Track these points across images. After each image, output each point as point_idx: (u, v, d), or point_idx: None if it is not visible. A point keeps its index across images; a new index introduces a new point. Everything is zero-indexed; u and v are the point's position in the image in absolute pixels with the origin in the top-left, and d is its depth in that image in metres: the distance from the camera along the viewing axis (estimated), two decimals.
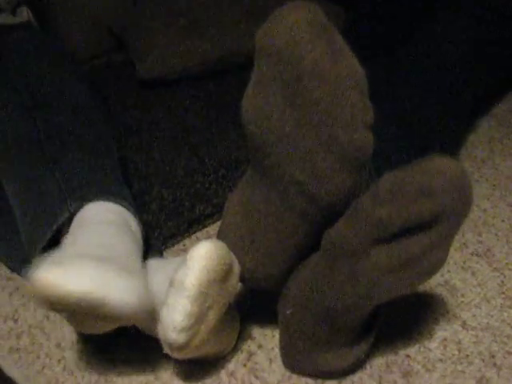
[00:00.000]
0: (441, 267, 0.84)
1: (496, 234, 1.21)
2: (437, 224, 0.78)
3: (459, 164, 0.78)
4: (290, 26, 0.77)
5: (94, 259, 0.80)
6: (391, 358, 0.96)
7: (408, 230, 0.78)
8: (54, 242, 0.95)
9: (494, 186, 1.37)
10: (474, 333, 1.00)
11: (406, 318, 1.03)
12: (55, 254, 0.86)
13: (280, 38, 0.78)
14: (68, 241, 0.89)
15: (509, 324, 1.02)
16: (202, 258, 0.82)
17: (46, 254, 0.88)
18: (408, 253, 0.79)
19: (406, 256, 0.79)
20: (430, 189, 0.76)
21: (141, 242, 0.96)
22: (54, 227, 0.95)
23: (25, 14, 1.54)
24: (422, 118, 1.24)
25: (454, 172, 0.77)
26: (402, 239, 0.79)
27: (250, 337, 1.01)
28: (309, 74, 0.77)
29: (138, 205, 1.00)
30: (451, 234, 0.81)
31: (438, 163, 0.77)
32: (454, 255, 1.14)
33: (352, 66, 0.79)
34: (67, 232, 0.94)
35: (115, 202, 0.96)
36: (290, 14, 0.78)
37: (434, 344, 0.98)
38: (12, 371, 0.62)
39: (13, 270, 1.14)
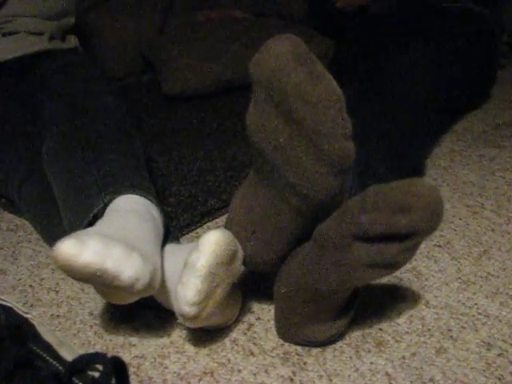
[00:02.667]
0: (408, 262, 0.84)
1: (455, 230, 1.21)
2: (410, 236, 0.78)
3: (436, 188, 0.78)
4: (275, 56, 0.77)
5: (111, 238, 0.79)
6: (366, 330, 0.95)
7: (385, 238, 0.78)
8: None
9: (453, 189, 1.36)
10: (435, 310, 0.99)
11: (380, 297, 1.02)
12: (78, 233, 0.84)
13: (267, 66, 0.77)
14: (95, 225, 0.88)
15: (464, 304, 1.01)
16: (211, 244, 0.82)
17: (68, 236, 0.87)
18: (383, 254, 0.79)
19: (380, 256, 0.79)
20: (408, 206, 0.76)
21: (162, 229, 0.95)
22: (91, 215, 0.94)
23: (73, 41, 1.55)
24: (396, 132, 1.24)
25: (431, 195, 0.76)
26: (380, 244, 0.79)
27: (250, 311, 1.00)
28: (293, 96, 0.77)
29: (159, 199, 0.99)
30: (421, 242, 0.81)
31: (419, 185, 0.77)
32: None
33: (330, 87, 0.78)
34: None
35: (141, 195, 0.95)
36: (276, 46, 0.77)
37: (402, 319, 0.97)
38: (49, 337, 0.61)
39: None
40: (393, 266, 0.81)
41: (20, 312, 0.63)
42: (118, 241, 0.79)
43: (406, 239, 0.78)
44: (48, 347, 0.59)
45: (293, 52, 0.76)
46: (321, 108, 0.77)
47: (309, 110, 0.77)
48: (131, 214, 0.90)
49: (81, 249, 0.75)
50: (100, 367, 0.59)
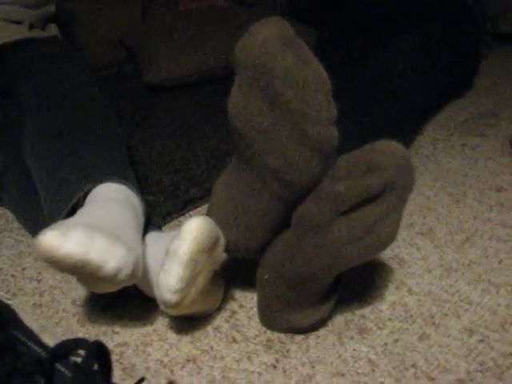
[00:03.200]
0: (392, 240, 0.85)
1: (437, 218, 1.22)
2: (385, 194, 0.79)
3: (402, 146, 0.81)
4: (262, 40, 0.77)
5: (93, 228, 0.79)
6: (349, 317, 0.96)
7: (362, 203, 0.79)
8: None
9: (436, 178, 1.37)
10: (417, 297, 1.00)
11: (362, 284, 1.03)
12: (59, 223, 0.84)
13: (254, 50, 0.78)
14: (76, 214, 0.88)
15: (446, 291, 1.02)
16: (193, 231, 0.81)
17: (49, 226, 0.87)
18: (364, 223, 0.80)
19: (362, 226, 0.80)
20: (379, 164, 0.78)
21: (142, 217, 0.95)
22: (70, 204, 0.94)
23: (53, 29, 1.54)
24: (379, 120, 1.25)
25: (397, 151, 0.79)
26: (358, 211, 0.79)
27: (233, 298, 1.00)
28: (280, 79, 0.77)
29: (142, 187, 1.00)
30: (398, 204, 0.82)
31: (385, 144, 0.80)
32: (403, 233, 1.15)
33: (317, 70, 0.78)
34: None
35: (121, 183, 0.95)
36: (262, 29, 0.78)
37: (384, 306, 0.98)
38: (31, 323, 0.61)
39: None
40: (377, 238, 0.81)
41: (2, 299, 0.63)
42: (100, 231, 0.79)
43: (383, 198, 0.79)
44: (30, 333, 0.60)
45: (280, 35, 0.77)
46: (307, 91, 0.77)
47: (295, 93, 0.77)
48: (112, 202, 0.90)
49: (63, 240, 0.75)
50: (82, 353, 0.59)
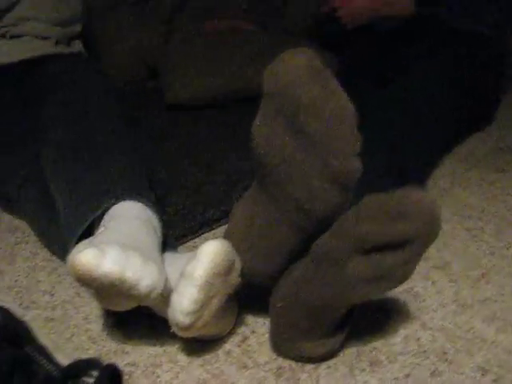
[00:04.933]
0: (407, 279, 0.84)
1: (454, 252, 1.21)
2: (408, 243, 0.78)
3: (432, 197, 0.79)
4: (291, 69, 0.77)
5: (127, 247, 0.79)
6: (361, 348, 0.95)
7: (383, 247, 0.78)
8: (86, 235, 0.93)
9: (453, 212, 1.36)
10: (430, 332, 0.99)
11: (376, 316, 1.02)
12: (92, 240, 0.85)
13: (282, 79, 0.78)
14: (101, 230, 0.88)
15: (460, 327, 1.00)
16: (210, 253, 0.81)
17: (80, 243, 0.87)
18: (382, 266, 0.79)
19: (379, 268, 0.79)
20: (405, 214, 0.76)
21: (161, 237, 0.95)
22: (89, 220, 0.94)
23: (77, 46, 1.55)
24: (399, 150, 1.24)
25: (427, 203, 0.78)
26: (378, 254, 0.79)
27: (245, 323, 1.00)
28: (305, 110, 0.77)
29: (158, 207, 0.99)
30: (419, 253, 0.81)
31: (414, 193, 0.78)
32: (418, 267, 1.11)
33: (343, 102, 0.79)
34: (98, 226, 0.93)
35: (141, 201, 0.95)
36: (290, 59, 0.78)
37: (397, 339, 0.97)
38: (45, 340, 0.61)
39: (52, 252, 1.14)
40: (391, 279, 0.81)
41: (16, 314, 0.63)
42: (133, 249, 0.80)
43: (404, 248, 0.78)
44: (44, 351, 0.59)
45: (308, 66, 0.77)
46: (332, 123, 0.77)
47: (320, 125, 0.77)
48: (135, 220, 0.90)
49: (101, 258, 0.76)
50: (95, 373, 0.59)
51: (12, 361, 0.52)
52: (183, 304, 0.81)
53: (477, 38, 1.68)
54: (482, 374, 0.91)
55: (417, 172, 1.31)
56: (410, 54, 1.64)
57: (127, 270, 0.76)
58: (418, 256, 0.81)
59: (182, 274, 0.83)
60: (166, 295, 0.84)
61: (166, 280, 0.83)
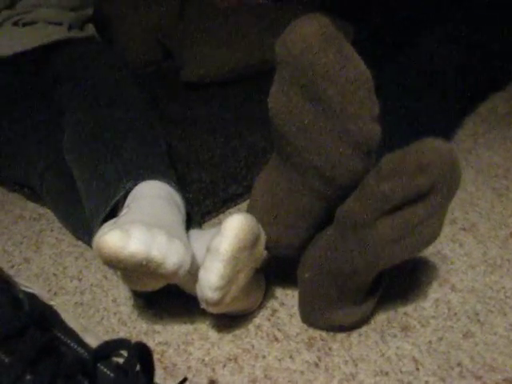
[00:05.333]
0: (436, 238, 0.83)
1: (480, 213, 1.19)
2: (431, 195, 0.77)
3: (449, 144, 0.78)
4: (303, 37, 0.76)
5: (151, 225, 0.79)
6: (392, 315, 0.94)
7: (407, 202, 0.77)
8: (111, 216, 0.93)
9: (477, 172, 1.35)
10: (461, 294, 0.98)
11: (405, 281, 1.01)
12: (116, 221, 0.85)
13: (295, 47, 0.76)
14: (124, 212, 0.88)
15: (490, 287, 0.99)
16: (234, 228, 0.81)
17: (105, 224, 0.87)
18: (408, 222, 0.78)
19: (406, 225, 0.78)
20: (425, 164, 0.75)
21: (184, 214, 0.95)
22: (112, 202, 0.94)
23: (90, 29, 1.55)
24: (420, 113, 1.23)
25: (444, 150, 0.77)
26: (403, 210, 0.78)
27: (274, 296, 0.99)
28: (321, 76, 0.76)
29: (181, 185, 0.99)
30: (444, 204, 0.80)
31: (431, 143, 0.77)
32: (445, 229, 1.12)
33: (359, 68, 0.77)
34: (122, 208, 0.93)
35: (163, 180, 0.95)
36: (303, 26, 0.76)
37: (427, 303, 0.96)
38: (73, 323, 0.60)
39: (78, 238, 1.14)
40: (420, 236, 0.79)
41: (44, 299, 0.63)
42: (158, 227, 0.79)
43: (428, 198, 0.77)
44: (72, 333, 0.59)
45: (321, 32, 0.75)
46: (349, 88, 0.76)
47: (337, 91, 0.76)
48: (157, 199, 0.90)
49: (127, 239, 0.76)
50: (125, 353, 0.58)
51: (40, 344, 0.52)
52: (211, 280, 0.80)
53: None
54: None
55: (438, 134, 1.29)
56: (428, 17, 1.62)
57: (153, 249, 0.76)
58: (443, 207, 0.80)
59: (207, 250, 0.82)
60: (193, 272, 0.84)
61: (193, 257, 0.83)
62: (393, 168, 0.76)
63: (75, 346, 0.57)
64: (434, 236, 0.81)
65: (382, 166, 0.78)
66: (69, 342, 0.57)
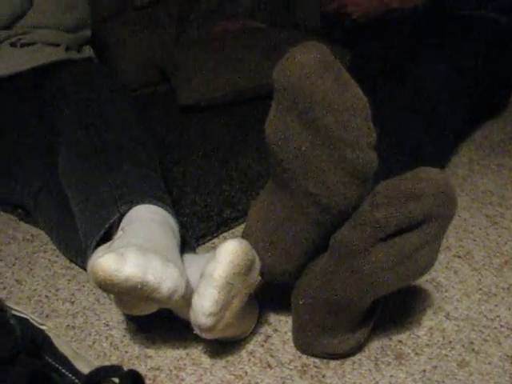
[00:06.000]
0: (431, 267, 0.83)
1: (474, 240, 1.19)
2: (425, 223, 0.77)
3: (444, 173, 0.78)
4: (301, 64, 0.76)
5: (147, 250, 0.78)
6: (386, 342, 0.94)
7: (402, 230, 0.77)
8: (105, 239, 0.93)
9: (472, 199, 1.34)
10: (455, 323, 0.97)
11: (399, 309, 1.00)
12: (111, 244, 0.84)
13: (293, 74, 0.76)
14: (119, 235, 0.87)
15: (485, 316, 0.99)
16: (229, 253, 0.80)
17: (99, 248, 0.86)
18: (403, 250, 0.78)
19: (401, 253, 0.78)
20: (419, 193, 0.75)
21: (179, 238, 0.94)
22: (107, 225, 0.93)
23: (87, 51, 1.56)
24: (416, 140, 1.23)
25: (439, 179, 0.77)
26: (397, 238, 0.78)
27: (267, 322, 0.98)
28: (319, 104, 0.76)
29: (175, 209, 0.98)
30: (439, 233, 0.80)
31: (426, 172, 0.77)
32: (440, 256, 1.11)
33: (357, 95, 0.77)
34: (116, 231, 0.92)
35: (158, 204, 0.94)
36: (301, 53, 0.77)
37: (422, 331, 0.96)
38: (64, 349, 0.60)
39: (71, 260, 1.13)
40: (414, 264, 0.79)
41: (35, 323, 0.62)
42: (152, 252, 0.79)
43: (423, 227, 0.77)
44: (64, 360, 0.58)
45: (319, 59, 0.75)
46: (347, 116, 0.76)
47: (334, 118, 0.76)
48: (152, 223, 0.89)
49: (122, 263, 0.75)
50: (116, 380, 0.57)
51: (32, 371, 0.51)
52: (204, 305, 0.80)
53: (489, 24, 1.66)
54: (511, 363, 0.89)
55: (434, 161, 1.30)
56: (422, 43, 1.63)
57: (148, 274, 0.76)
58: (438, 236, 0.80)
59: (201, 275, 0.82)
60: (187, 297, 0.83)
61: (187, 282, 0.82)
62: (387, 195, 0.76)
63: (67, 373, 0.56)
64: (429, 265, 0.81)
65: (377, 193, 0.77)
66: (60, 368, 0.56)
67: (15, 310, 0.60)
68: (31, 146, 1.25)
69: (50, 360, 0.56)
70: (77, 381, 0.56)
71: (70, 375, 0.56)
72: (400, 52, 1.68)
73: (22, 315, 0.60)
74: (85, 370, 0.59)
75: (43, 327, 0.62)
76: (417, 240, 0.77)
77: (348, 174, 0.78)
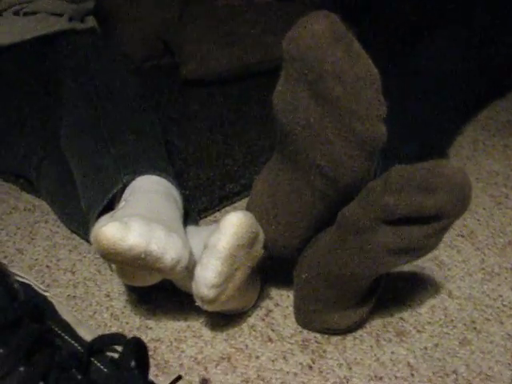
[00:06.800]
0: (434, 249, 0.82)
1: (478, 220, 1.19)
2: (436, 219, 0.75)
3: (464, 170, 0.76)
4: (312, 34, 0.74)
5: (150, 219, 0.78)
6: (387, 319, 0.94)
7: (411, 220, 0.76)
8: (108, 210, 0.92)
9: (477, 179, 1.34)
10: (458, 301, 0.98)
11: (401, 286, 1.00)
12: (113, 214, 0.83)
13: (303, 43, 0.75)
14: (122, 205, 0.87)
15: (488, 295, 0.99)
16: (232, 225, 0.80)
17: (102, 217, 0.86)
18: (408, 239, 0.77)
19: (407, 241, 0.77)
20: (434, 187, 0.73)
21: (182, 210, 0.93)
22: (110, 195, 0.93)
23: (91, 21, 1.54)
24: (423, 118, 1.22)
25: (457, 176, 0.74)
26: (405, 226, 0.76)
27: (269, 296, 0.98)
28: (330, 74, 0.74)
29: (178, 182, 0.98)
30: (447, 228, 0.78)
31: (445, 166, 0.75)
32: None
33: (367, 66, 0.76)
34: (119, 201, 0.92)
35: (161, 175, 0.94)
36: (312, 23, 0.75)
37: (424, 309, 0.96)
38: (67, 316, 0.59)
39: (73, 230, 1.13)
40: (418, 251, 0.79)
41: (39, 289, 0.61)
42: (156, 222, 0.78)
43: (433, 222, 0.75)
44: (67, 326, 0.58)
45: (330, 29, 0.74)
46: (357, 88, 0.74)
47: (344, 89, 0.74)
48: (155, 194, 0.89)
49: (126, 231, 0.74)
50: (119, 348, 0.57)
51: (35, 336, 0.51)
52: (207, 277, 0.79)
53: (495, 3, 1.65)
54: None
55: (439, 141, 1.29)
56: (428, 21, 1.61)
57: (152, 243, 0.75)
58: (445, 229, 0.79)
59: (205, 247, 0.81)
60: (190, 268, 0.83)
61: (190, 252, 0.82)
62: (401, 182, 0.74)
63: (69, 339, 0.56)
64: (432, 249, 0.81)
65: (390, 177, 0.76)
66: (63, 334, 0.56)
67: (18, 275, 0.60)
68: (33, 115, 1.24)
69: (53, 326, 0.56)
70: (79, 347, 0.56)
71: (73, 342, 0.56)
72: (407, 30, 1.67)
73: (24, 281, 0.60)
74: (87, 337, 0.58)
75: (46, 293, 0.62)
76: (424, 232, 0.76)
77: (356, 146, 0.76)
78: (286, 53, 0.77)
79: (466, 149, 1.47)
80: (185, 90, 1.79)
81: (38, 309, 0.56)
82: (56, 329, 0.56)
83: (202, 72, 1.79)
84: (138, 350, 0.57)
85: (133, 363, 0.55)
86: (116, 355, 0.57)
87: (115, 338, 0.57)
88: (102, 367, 0.55)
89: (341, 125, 0.76)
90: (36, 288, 0.61)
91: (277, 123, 0.81)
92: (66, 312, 0.61)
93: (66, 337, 0.56)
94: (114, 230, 0.74)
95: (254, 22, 1.91)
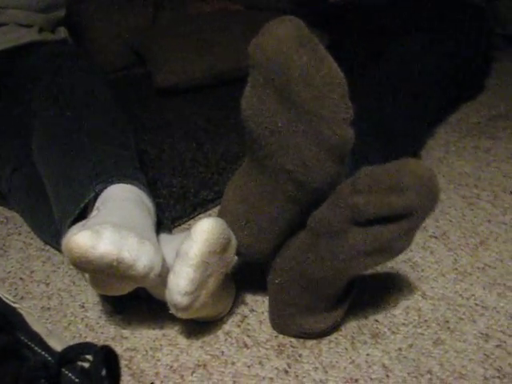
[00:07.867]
0: (406, 250, 0.82)
1: (450, 221, 1.19)
2: (406, 217, 0.76)
3: (430, 168, 0.76)
4: (278, 38, 0.75)
5: (122, 227, 0.78)
6: (362, 321, 0.94)
7: (381, 220, 0.76)
8: (80, 219, 0.92)
9: (449, 181, 1.35)
10: (431, 302, 0.98)
11: (375, 288, 1.01)
12: (85, 223, 0.83)
13: (269, 48, 0.75)
14: (94, 214, 0.86)
15: (460, 295, 0.99)
16: (204, 231, 0.79)
17: (74, 226, 0.85)
18: (380, 239, 0.77)
19: (377, 241, 0.77)
20: (402, 186, 0.74)
21: (155, 218, 0.93)
22: (82, 205, 0.92)
23: (62, 32, 1.53)
24: (393, 122, 1.23)
25: (424, 173, 0.75)
26: (376, 227, 0.77)
27: (244, 302, 0.98)
28: (296, 79, 0.75)
29: (151, 190, 0.98)
30: (417, 225, 0.79)
31: (412, 164, 0.76)
32: (416, 237, 1.10)
33: (333, 70, 0.76)
34: (91, 210, 0.91)
35: (133, 184, 0.94)
36: (277, 28, 0.75)
37: (398, 311, 0.96)
38: (37, 327, 0.59)
39: (45, 241, 1.12)
40: (390, 251, 0.79)
41: (8, 301, 0.61)
42: (129, 229, 0.78)
43: (402, 220, 0.76)
44: (36, 337, 0.57)
45: (295, 34, 0.74)
46: (323, 91, 0.75)
47: (311, 94, 0.75)
48: (127, 202, 0.88)
49: (97, 239, 0.74)
50: (90, 358, 0.57)
51: (2, 347, 0.50)
52: (180, 284, 0.79)
53: (464, 6, 1.67)
54: (485, 341, 0.90)
55: (410, 144, 1.30)
56: (399, 27, 1.63)
57: (124, 251, 0.75)
58: (416, 228, 0.79)
59: (177, 254, 0.81)
60: (163, 275, 0.82)
61: (163, 260, 0.81)
62: (369, 183, 0.75)
63: (39, 350, 0.55)
64: (404, 249, 0.81)
65: (359, 178, 0.77)
66: (32, 345, 0.55)
67: None
68: (4, 127, 1.23)
69: (21, 337, 0.55)
70: (49, 358, 0.55)
71: (43, 352, 0.55)
72: (379, 35, 1.68)
73: None
74: (58, 347, 0.58)
75: (15, 305, 0.61)
76: (395, 231, 0.77)
77: (324, 150, 0.77)
78: (252, 58, 0.78)
79: (438, 151, 1.49)
80: (157, 99, 1.79)
81: (6, 320, 0.55)
82: (25, 340, 0.56)
83: (175, 80, 1.79)
84: (108, 359, 0.57)
85: (103, 372, 0.55)
86: (87, 365, 0.57)
87: (86, 348, 0.56)
88: (72, 377, 0.55)
89: (308, 129, 0.76)
90: (5, 299, 0.60)
91: (245, 129, 0.82)
92: (36, 323, 0.60)
93: (36, 348, 0.56)
94: (85, 239, 0.73)
95: (225, 30, 1.92)
